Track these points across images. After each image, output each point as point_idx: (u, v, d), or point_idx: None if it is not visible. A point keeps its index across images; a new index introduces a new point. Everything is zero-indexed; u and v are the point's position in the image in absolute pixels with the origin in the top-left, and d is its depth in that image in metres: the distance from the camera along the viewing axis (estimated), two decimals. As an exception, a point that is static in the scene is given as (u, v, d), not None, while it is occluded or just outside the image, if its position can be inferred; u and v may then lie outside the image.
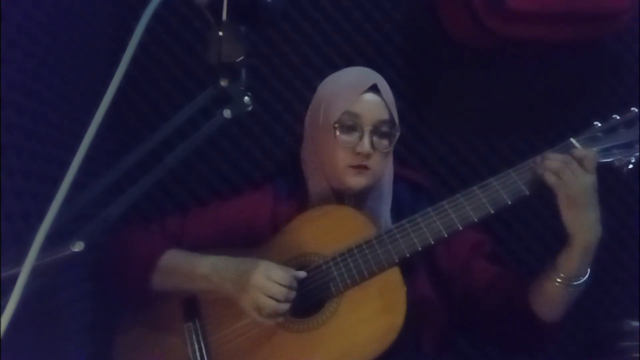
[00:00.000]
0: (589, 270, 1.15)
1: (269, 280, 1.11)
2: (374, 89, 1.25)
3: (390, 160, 1.32)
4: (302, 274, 1.17)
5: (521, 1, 1.49)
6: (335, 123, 1.22)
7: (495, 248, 1.36)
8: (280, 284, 1.11)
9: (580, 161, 1.11)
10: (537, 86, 1.76)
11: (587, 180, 1.10)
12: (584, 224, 1.11)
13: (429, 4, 1.70)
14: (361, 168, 1.23)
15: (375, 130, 1.23)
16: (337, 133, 1.22)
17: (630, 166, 1.16)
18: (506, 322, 1.24)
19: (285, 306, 1.12)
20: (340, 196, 1.28)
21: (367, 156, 1.22)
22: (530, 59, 1.73)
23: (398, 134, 1.26)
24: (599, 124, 1.19)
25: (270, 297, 1.11)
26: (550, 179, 1.11)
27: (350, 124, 1.22)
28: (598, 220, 1.11)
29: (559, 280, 1.14)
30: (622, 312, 1.74)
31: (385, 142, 1.25)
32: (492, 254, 1.33)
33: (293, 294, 1.13)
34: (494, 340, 1.42)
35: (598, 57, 1.79)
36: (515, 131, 1.74)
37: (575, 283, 1.14)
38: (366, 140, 1.21)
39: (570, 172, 1.10)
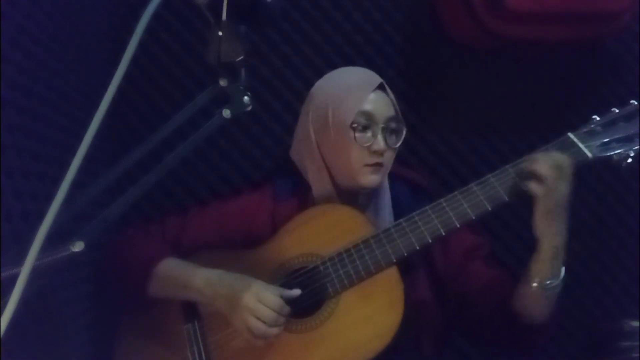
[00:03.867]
0: (562, 270, 1.16)
1: (259, 303, 1.11)
2: (380, 87, 1.26)
3: None
4: (296, 292, 1.16)
5: (521, 1, 1.49)
6: (353, 123, 1.23)
7: (492, 251, 1.36)
8: (270, 308, 1.11)
9: (559, 168, 1.10)
10: (537, 86, 1.76)
11: (565, 188, 1.11)
12: (553, 231, 1.12)
13: (429, 4, 1.70)
14: (377, 166, 1.23)
15: (387, 128, 1.24)
16: (355, 134, 1.22)
17: (629, 160, 1.15)
18: (500, 324, 1.25)
19: (274, 330, 1.12)
20: (353, 195, 1.28)
21: (382, 154, 1.23)
22: (530, 59, 1.73)
23: (405, 129, 1.27)
24: (598, 118, 1.19)
25: (259, 319, 1.11)
26: (537, 189, 1.11)
27: (365, 123, 1.23)
28: (565, 224, 1.13)
29: (535, 284, 1.15)
30: (622, 312, 1.74)
31: (394, 138, 1.26)
32: (488, 257, 1.33)
33: (283, 320, 1.13)
34: (489, 342, 1.43)
35: (598, 57, 1.79)
36: (515, 131, 1.74)
37: (550, 285, 1.15)
38: (380, 138, 1.22)
39: (554, 182, 1.09)
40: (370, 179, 1.24)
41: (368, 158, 1.23)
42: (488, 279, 1.28)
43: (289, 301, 1.14)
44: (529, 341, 1.27)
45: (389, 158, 1.26)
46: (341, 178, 1.28)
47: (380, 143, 1.22)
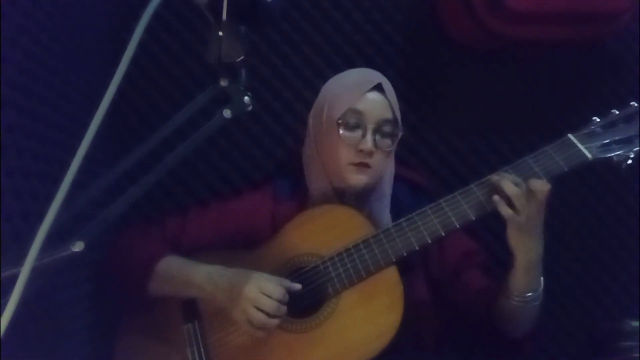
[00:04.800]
0: (541, 283, 1.17)
1: (260, 293, 1.12)
2: (378, 88, 1.25)
3: (391, 160, 1.32)
4: (297, 286, 1.16)
5: (521, 1, 1.49)
6: (339, 120, 1.23)
7: (487, 257, 1.37)
8: (272, 298, 1.11)
9: (533, 193, 1.11)
10: (537, 86, 1.75)
11: (535, 210, 1.11)
12: (525, 245, 1.13)
13: (429, 4, 1.70)
14: (363, 166, 1.23)
15: (378, 129, 1.23)
16: (341, 130, 1.22)
17: (629, 161, 1.16)
18: (487, 331, 1.26)
19: (275, 321, 1.12)
20: (341, 195, 1.28)
21: (370, 154, 1.22)
22: (530, 59, 1.73)
23: (401, 133, 1.26)
24: (598, 119, 1.19)
25: (261, 310, 1.11)
26: (504, 210, 1.11)
27: (354, 122, 1.23)
28: (539, 240, 1.14)
29: (515, 298, 1.16)
30: (622, 312, 1.74)
31: (387, 141, 1.25)
32: (482, 265, 1.34)
33: (284, 309, 1.13)
34: (479, 345, 1.44)
35: (598, 57, 1.79)
36: (515, 131, 1.74)
37: (530, 298, 1.16)
38: (369, 138, 1.22)
39: (522, 202, 1.10)
40: (355, 178, 1.24)
41: (354, 157, 1.23)
42: (479, 286, 1.29)
43: (290, 294, 1.14)
44: (514, 349, 1.28)
45: (378, 160, 1.25)
46: (331, 176, 1.28)
47: (367, 143, 1.21)
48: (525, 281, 1.15)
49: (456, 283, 1.30)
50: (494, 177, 1.15)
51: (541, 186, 1.11)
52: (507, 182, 1.12)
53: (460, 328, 1.41)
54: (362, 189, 1.26)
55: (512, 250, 1.14)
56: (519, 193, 1.10)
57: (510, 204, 1.11)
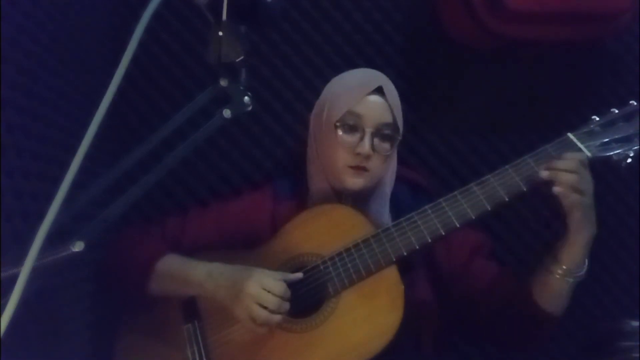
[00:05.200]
0: (587, 262, 1.18)
1: (262, 290, 1.12)
2: (380, 91, 1.25)
3: (392, 163, 1.32)
4: (299, 275, 1.17)
5: (521, 1, 1.49)
6: (337, 122, 1.23)
7: (493, 248, 1.36)
8: (273, 294, 1.11)
9: (584, 165, 1.12)
10: (537, 86, 1.75)
11: (591, 181, 1.12)
12: (588, 221, 1.13)
13: (429, 4, 1.70)
14: (360, 169, 1.23)
15: (377, 132, 1.23)
16: (339, 132, 1.22)
17: (629, 160, 1.16)
18: (506, 319, 1.25)
19: (277, 317, 1.12)
20: (340, 196, 1.29)
21: (367, 157, 1.22)
22: (530, 59, 1.73)
23: (400, 138, 1.26)
24: (597, 118, 1.19)
25: (263, 306, 1.11)
26: (574, 198, 1.10)
27: (352, 124, 1.23)
28: (595, 212, 1.15)
29: (560, 272, 1.16)
30: (622, 312, 1.74)
31: (386, 145, 1.25)
32: (491, 255, 1.34)
33: (287, 305, 1.13)
34: (493, 338, 1.43)
35: (598, 57, 1.79)
36: (515, 131, 1.74)
37: (577, 274, 1.16)
38: (367, 141, 1.21)
39: (584, 183, 1.11)
40: (352, 181, 1.24)
41: (351, 159, 1.23)
42: (492, 275, 1.29)
43: (290, 292, 1.14)
44: (533, 336, 1.27)
45: (376, 164, 1.24)
46: (329, 177, 1.28)
47: (364, 146, 1.21)
48: (580, 257, 1.15)
49: (468, 277, 1.29)
50: (545, 174, 1.12)
51: (580, 155, 1.13)
52: (565, 174, 1.10)
53: (460, 328, 1.41)
54: (359, 192, 1.26)
55: (572, 229, 1.13)
56: (577, 178, 1.10)
57: (574, 191, 1.10)
